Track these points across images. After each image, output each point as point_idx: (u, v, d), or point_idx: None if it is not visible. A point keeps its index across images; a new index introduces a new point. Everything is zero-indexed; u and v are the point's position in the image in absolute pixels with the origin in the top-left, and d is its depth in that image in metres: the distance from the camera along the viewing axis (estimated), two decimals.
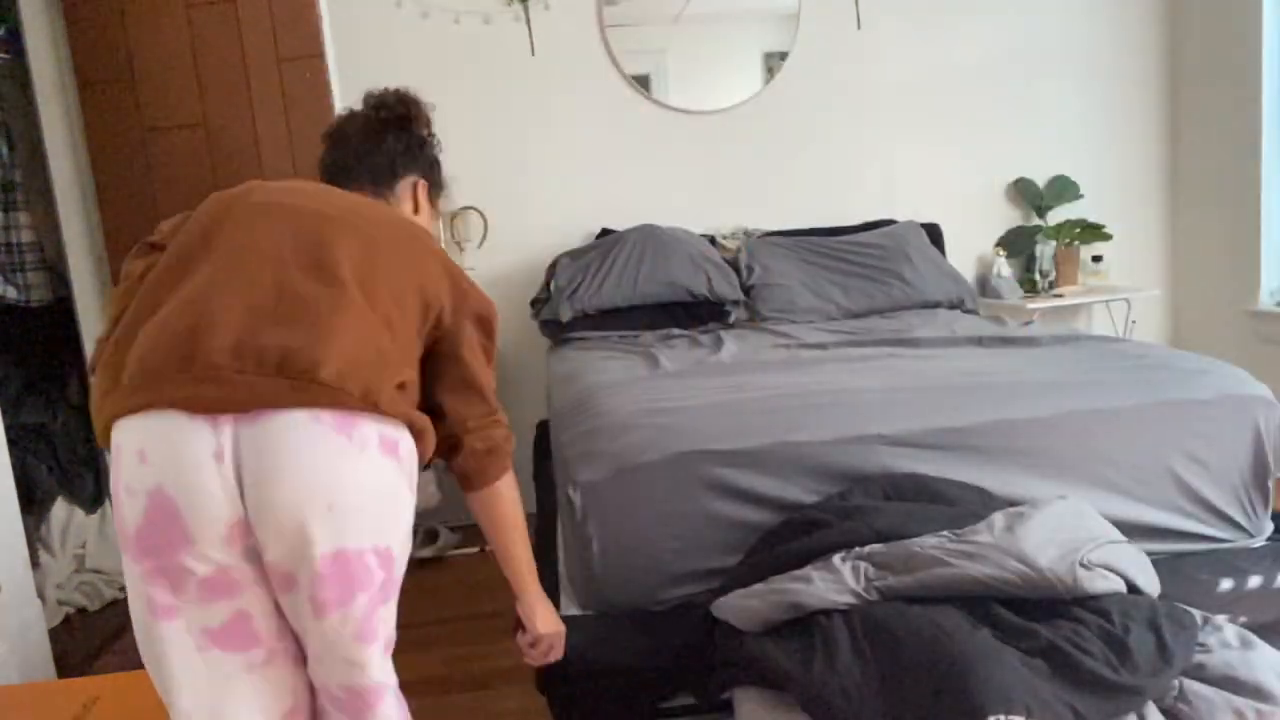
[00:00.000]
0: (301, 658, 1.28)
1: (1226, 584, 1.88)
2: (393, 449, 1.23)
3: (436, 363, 1.40)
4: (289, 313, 1.20)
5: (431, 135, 1.68)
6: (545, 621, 1.60)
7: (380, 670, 1.27)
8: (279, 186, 1.39)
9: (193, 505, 1.12)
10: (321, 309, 1.20)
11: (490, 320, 1.45)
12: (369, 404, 1.19)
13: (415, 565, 3.19)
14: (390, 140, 1.62)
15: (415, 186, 1.63)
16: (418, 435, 1.30)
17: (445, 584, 3.00)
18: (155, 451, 1.12)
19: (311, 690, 1.31)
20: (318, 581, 1.17)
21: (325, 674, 1.26)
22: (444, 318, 1.37)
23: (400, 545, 1.26)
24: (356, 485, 1.17)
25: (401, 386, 1.27)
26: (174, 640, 1.18)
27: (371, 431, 1.20)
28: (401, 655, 2.60)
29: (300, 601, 1.19)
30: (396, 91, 1.67)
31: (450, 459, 1.43)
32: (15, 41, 2.99)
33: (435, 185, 1.69)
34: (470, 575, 3.11)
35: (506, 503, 1.48)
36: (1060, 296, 3.70)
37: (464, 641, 2.65)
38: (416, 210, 1.63)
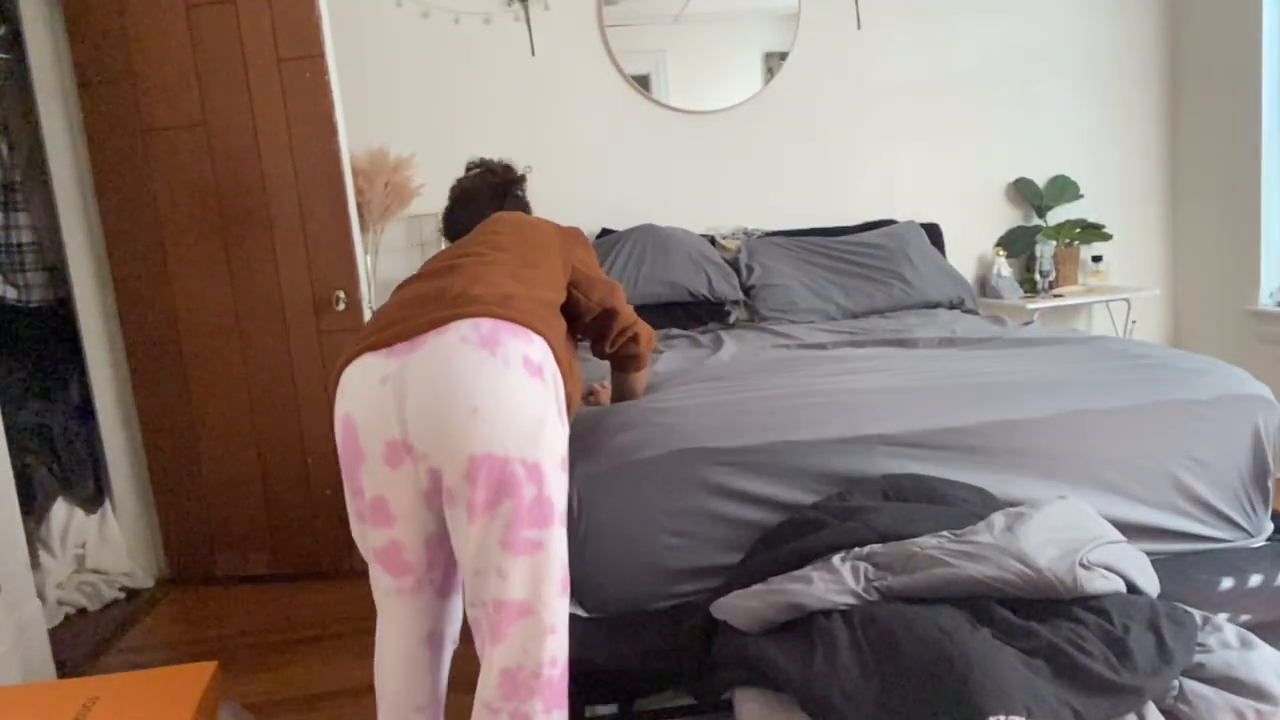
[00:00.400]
0: (447, 590, 1.51)
1: (1227, 584, 1.88)
2: (538, 370, 1.36)
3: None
4: (450, 271, 1.52)
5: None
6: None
7: (524, 588, 1.31)
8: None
9: (366, 421, 1.36)
10: (470, 267, 1.52)
11: (584, 275, 1.79)
12: (506, 310, 1.38)
13: None
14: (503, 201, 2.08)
15: None
16: (554, 348, 1.45)
17: None
18: (349, 385, 1.40)
19: (452, 618, 1.55)
20: (468, 483, 1.30)
21: (479, 588, 1.35)
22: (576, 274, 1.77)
23: (552, 467, 1.34)
24: (497, 394, 1.30)
25: (545, 304, 1.51)
26: (362, 546, 1.49)
27: (516, 351, 1.34)
28: None
29: (458, 510, 1.33)
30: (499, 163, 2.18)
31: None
32: (15, 41, 2.99)
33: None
34: None
35: (634, 385, 2.05)
36: (1060, 296, 3.70)
37: (462, 639, 2.65)
38: None
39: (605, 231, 3.58)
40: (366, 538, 1.48)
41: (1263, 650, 1.48)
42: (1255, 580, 1.88)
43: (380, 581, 1.50)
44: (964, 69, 3.83)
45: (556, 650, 1.35)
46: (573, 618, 1.87)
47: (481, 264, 1.54)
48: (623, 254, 3.34)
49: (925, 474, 1.88)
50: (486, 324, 1.35)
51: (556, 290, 1.64)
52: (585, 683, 1.75)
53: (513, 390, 1.31)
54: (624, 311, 1.86)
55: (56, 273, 3.20)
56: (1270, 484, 2.04)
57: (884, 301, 3.35)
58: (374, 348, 1.39)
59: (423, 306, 1.41)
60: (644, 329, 1.94)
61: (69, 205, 3.03)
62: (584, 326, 1.84)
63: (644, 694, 1.81)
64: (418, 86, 3.53)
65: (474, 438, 1.29)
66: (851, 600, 1.51)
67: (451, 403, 1.30)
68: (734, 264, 3.45)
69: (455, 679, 1.66)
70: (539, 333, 1.41)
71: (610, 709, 1.87)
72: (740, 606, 1.60)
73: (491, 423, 1.29)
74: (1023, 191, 3.89)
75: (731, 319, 3.36)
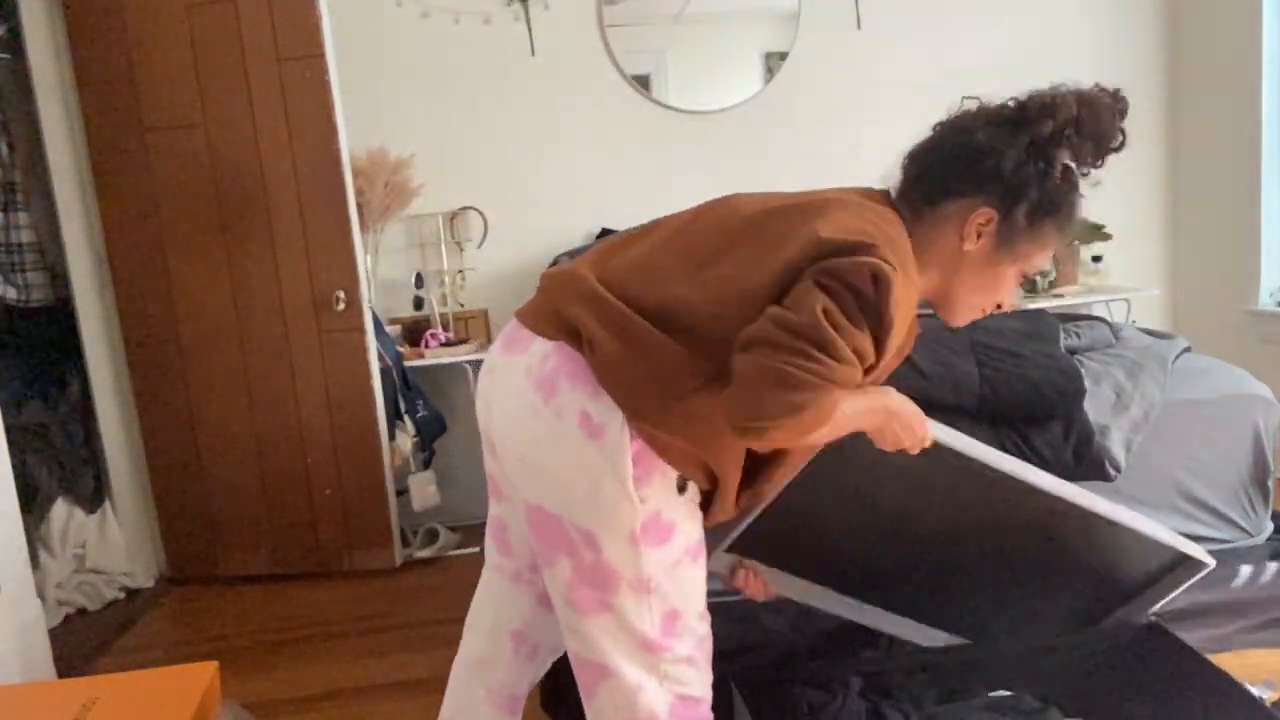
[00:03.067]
0: (550, 601, 1.33)
1: (1226, 584, 1.88)
2: (597, 432, 1.13)
3: None
4: (644, 238, 1.27)
5: (1050, 153, 1.17)
6: None
7: (594, 649, 1.21)
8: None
9: (478, 405, 1.32)
10: (654, 248, 1.22)
11: (853, 262, 1.05)
12: (596, 344, 1.12)
13: (415, 565, 3.19)
14: (962, 140, 1.20)
15: (968, 218, 1.18)
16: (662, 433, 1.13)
17: (445, 584, 3.00)
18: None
19: (549, 629, 1.42)
20: (528, 526, 1.23)
21: (565, 640, 1.27)
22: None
23: (613, 538, 1.15)
24: (543, 449, 1.16)
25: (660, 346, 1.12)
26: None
27: (572, 404, 1.14)
28: (401, 655, 2.60)
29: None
30: (1059, 89, 1.19)
31: None
32: (15, 41, 2.99)
33: (1013, 222, 1.18)
34: (470, 575, 3.08)
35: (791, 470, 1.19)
36: (1060, 296, 3.70)
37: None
38: (964, 245, 1.19)
39: (605, 231, 3.58)
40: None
41: None
42: (1255, 580, 1.88)
43: (489, 552, 1.45)
44: (964, 69, 3.82)
45: (654, 705, 1.20)
46: None
47: (668, 249, 1.20)
48: None
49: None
50: (554, 360, 1.16)
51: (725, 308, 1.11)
52: None
53: (561, 450, 1.15)
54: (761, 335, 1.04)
55: (56, 273, 3.20)
56: (1270, 484, 2.04)
57: None
58: (521, 316, 1.27)
59: (553, 284, 1.24)
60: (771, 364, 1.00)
61: (69, 205, 3.03)
62: None
63: None
64: (418, 86, 3.53)
65: (526, 486, 1.20)
66: None
67: (506, 442, 1.21)
68: None
69: None
70: (613, 388, 1.13)
71: None
72: None
73: (538, 478, 1.18)
74: None
75: None
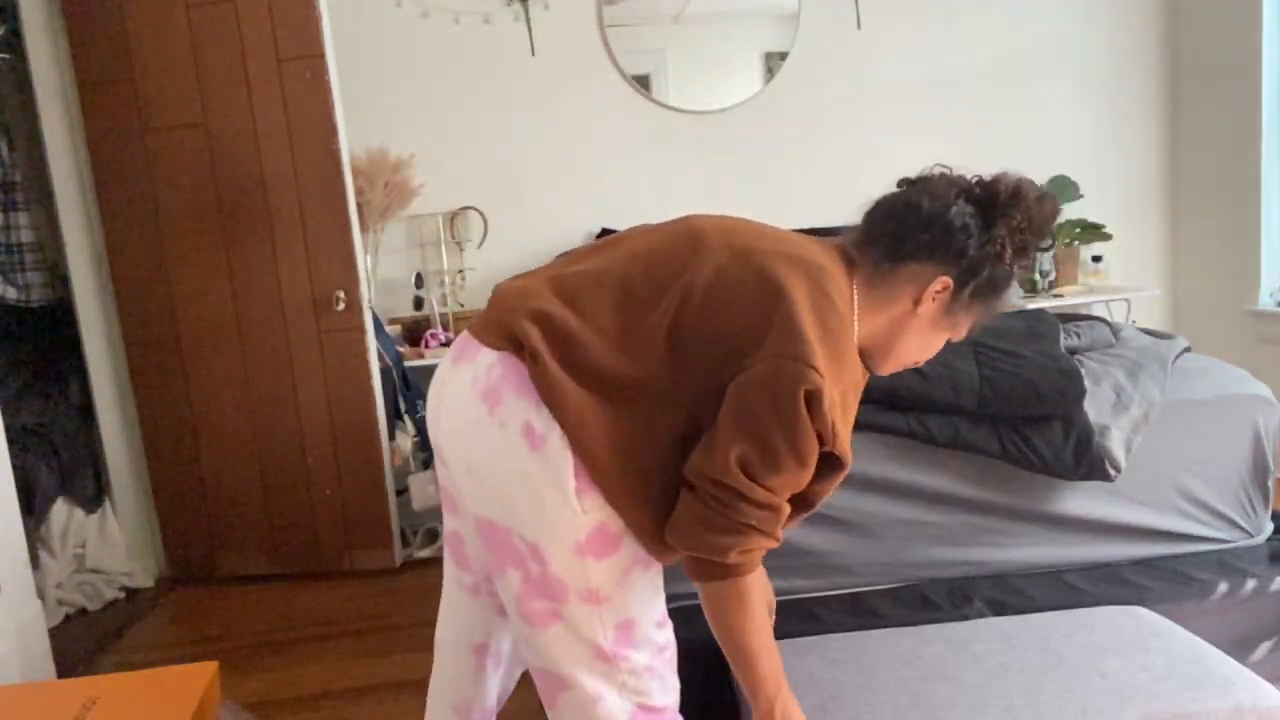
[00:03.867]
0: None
1: (1225, 585, 1.88)
2: (539, 442, 1.14)
3: None
4: (596, 254, 1.28)
5: (1006, 245, 1.24)
6: None
7: (549, 660, 1.22)
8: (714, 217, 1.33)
9: (428, 416, 1.32)
10: (615, 261, 1.24)
11: (783, 382, 1.08)
12: (541, 357, 1.13)
13: (415, 565, 3.19)
14: (936, 210, 1.25)
15: (928, 283, 1.24)
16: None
17: None
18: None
19: (512, 644, 1.44)
20: (478, 538, 1.25)
21: (519, 649, 1.29)
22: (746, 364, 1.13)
23: (558, 551, 1.15)
24: (489, 459, 1.17)
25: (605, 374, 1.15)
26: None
27: (516, 414, 1.15)
28: (401, 655, 2.60)
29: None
30: (1018, 178, 1.29)
31: None
32: (15, 41, 2.99)
33: (960, 296, 1.25)
34: None
35: (712, 611, 1.19)
36: (1060, 296, 3.70)
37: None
38: (916, 307, 1.26)
39: (605, 231, 3.58)
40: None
41: None
42: (1254, 580, 1.89)
43: (447, 566, 1.45)
44: (964, 69, 3.83)
45: (613, 715, 1.22)
46: None
47: (622, 264, 1.23)
48: None
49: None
50: (499, 370, 1.17)
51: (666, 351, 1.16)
52: None
53: (505, 460, 1.15)
54: (716, 463, 1.11)
55: (56, 273, 3.20)
56: (1270, 484, 2.04)
57: None
58: (471, 328, 1.28)
59: (504, 298, 1.25)
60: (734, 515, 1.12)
61: (69, 205, 3.03)
62: None
63: None
64: (418, 86, 3.53)
65: (473, 498, 1.21)
66: None
67: (454, 454, 1.22)
68: None
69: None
70: (552, 402, 1.14)
71: None
72: None
73: (484, 489, 1.18)
74: None
75: None
